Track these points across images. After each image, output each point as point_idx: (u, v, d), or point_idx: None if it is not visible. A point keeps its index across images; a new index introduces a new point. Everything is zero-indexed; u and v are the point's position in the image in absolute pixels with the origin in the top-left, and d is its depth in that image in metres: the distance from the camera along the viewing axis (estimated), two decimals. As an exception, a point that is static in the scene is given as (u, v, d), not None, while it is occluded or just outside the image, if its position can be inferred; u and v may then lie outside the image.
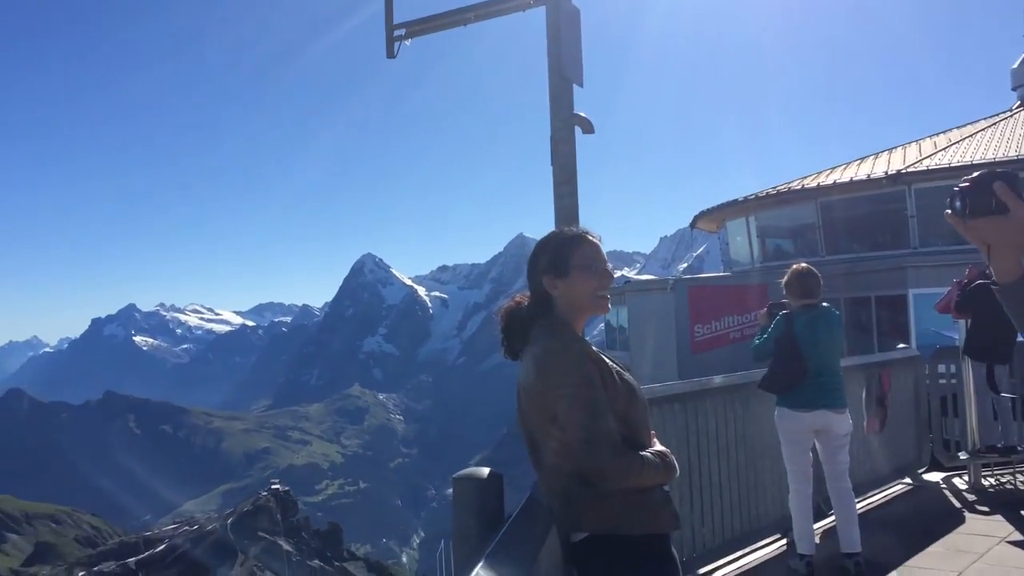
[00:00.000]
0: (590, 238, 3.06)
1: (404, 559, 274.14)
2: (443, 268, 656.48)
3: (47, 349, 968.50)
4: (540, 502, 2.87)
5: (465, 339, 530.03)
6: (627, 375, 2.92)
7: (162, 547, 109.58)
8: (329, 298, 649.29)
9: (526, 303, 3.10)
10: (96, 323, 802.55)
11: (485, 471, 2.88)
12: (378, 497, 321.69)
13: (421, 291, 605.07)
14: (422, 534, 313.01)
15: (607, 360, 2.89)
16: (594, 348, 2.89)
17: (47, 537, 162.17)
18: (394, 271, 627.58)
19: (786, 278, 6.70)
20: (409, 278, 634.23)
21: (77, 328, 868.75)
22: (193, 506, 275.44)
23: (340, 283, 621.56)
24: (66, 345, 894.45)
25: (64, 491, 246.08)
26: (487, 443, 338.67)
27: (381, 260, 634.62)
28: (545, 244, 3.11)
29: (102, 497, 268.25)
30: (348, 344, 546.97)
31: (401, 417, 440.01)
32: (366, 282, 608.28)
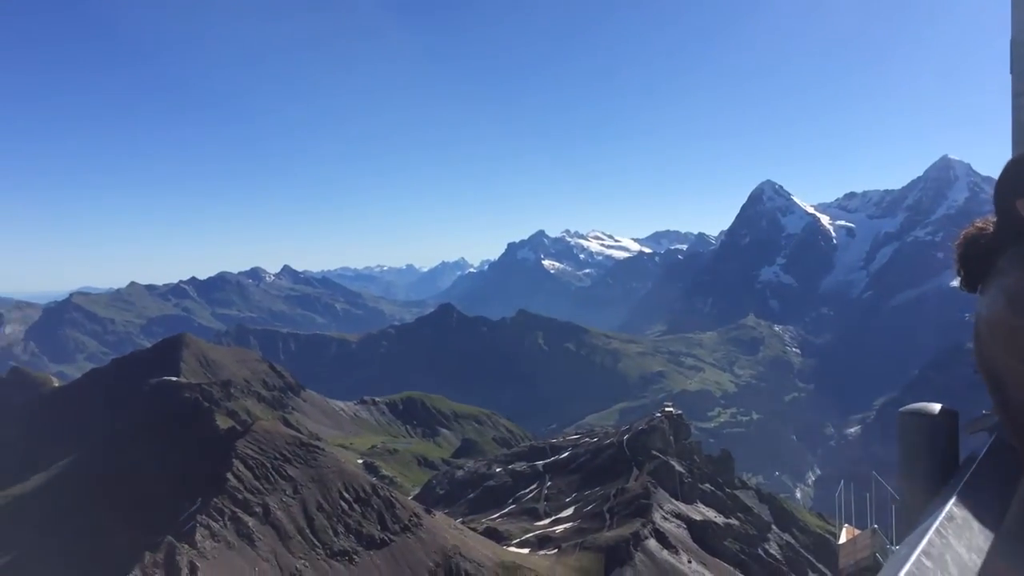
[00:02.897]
0: None
1: (798, 495, 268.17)
2: (850, 195, 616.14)
3: (471, 269, 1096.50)
4: (1008, 445, 2.65)
5: (873, 271, 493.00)
6: None
7: (566, 454, 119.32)
8: (725, 226, 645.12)
9: (990, 229, 2.84)
10: (511, 247, 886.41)
11: (936, 407, 2.69)
12: (771, 429, 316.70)
13: (825, 219, 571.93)
14: (818, 471, 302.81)
15: None
16: None
17: (471, 435, 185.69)
18: (795, 198, 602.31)
19: None
20: (812, 206, 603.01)
21: (495, 251, 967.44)
22: (593, 419, 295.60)
23: (737, 211, 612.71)
24: (486, 267, 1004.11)
25: (484, 395, 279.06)
26: (895, 383, 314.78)
27: (781, 187, 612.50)
28: (1021, 164, 2.83)
29: (515, 403, 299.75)
30: (744, 273, 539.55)
31: (798, 350, 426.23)
32: (765, 210, 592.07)
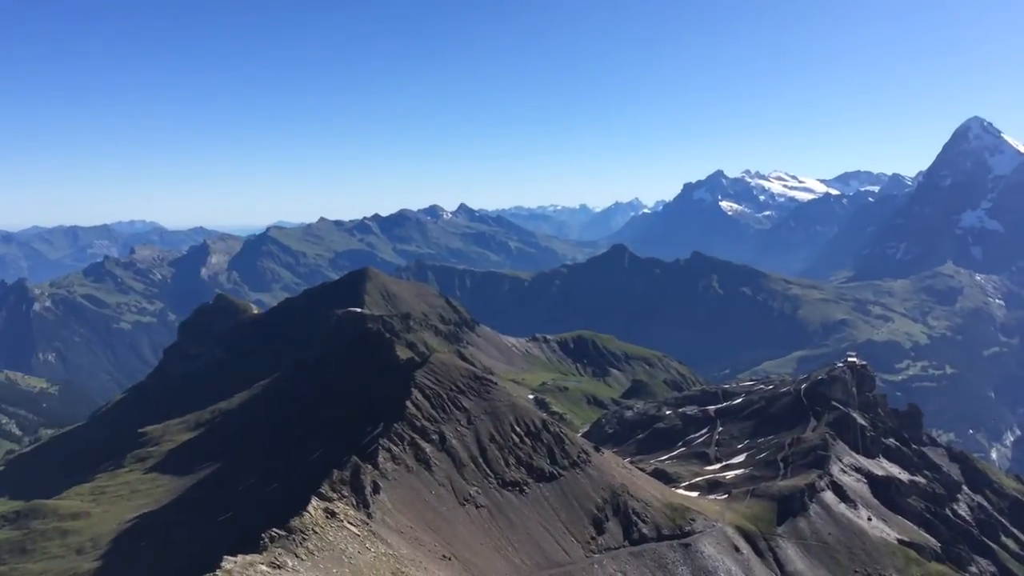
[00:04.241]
0: None
1: (994, 455, 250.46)
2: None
3: (645, 210, 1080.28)
4: None
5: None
6: None
7: (739, 400, 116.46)
8: (924, 167, 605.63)
9: None
10: (687, 188, 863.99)
11: None
12: (967, 385, 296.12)
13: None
14: (1017, 432, 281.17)
15: None
16: None
17: (641, 376, 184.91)
18: (1006, 137, 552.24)
19: None
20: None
21: (671, 192, 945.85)
22: (769, 366, 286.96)
23: (938, 150, 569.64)
24: (661, 207, 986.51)
25: (655, 337, 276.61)
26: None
27: (990, 124, 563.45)
28: None
29: (687, 346, 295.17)
30: (943, 218, 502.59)
31: (1002, 302, 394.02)
32: (970, 149, 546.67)
